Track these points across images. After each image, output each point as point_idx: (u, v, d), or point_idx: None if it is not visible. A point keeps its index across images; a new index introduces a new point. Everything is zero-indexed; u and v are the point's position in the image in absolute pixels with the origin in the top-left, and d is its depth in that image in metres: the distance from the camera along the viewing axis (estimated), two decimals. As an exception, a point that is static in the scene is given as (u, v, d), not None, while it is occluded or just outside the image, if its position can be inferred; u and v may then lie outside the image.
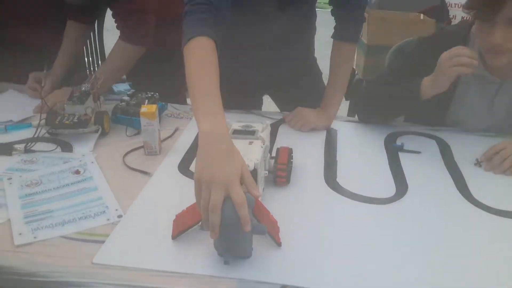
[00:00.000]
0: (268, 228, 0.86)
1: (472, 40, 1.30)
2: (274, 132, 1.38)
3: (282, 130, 1.41)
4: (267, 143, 1.08)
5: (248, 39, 1.39)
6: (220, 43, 1.06)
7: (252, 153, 0.99)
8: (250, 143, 1.03)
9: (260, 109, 1.69)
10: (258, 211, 0.88)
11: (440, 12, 2.78)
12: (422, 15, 2.66)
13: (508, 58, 1.19)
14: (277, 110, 1.69)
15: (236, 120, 1.13)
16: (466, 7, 1.20)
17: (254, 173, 0.95)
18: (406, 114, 1.51)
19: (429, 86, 1.25)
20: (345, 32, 1.42)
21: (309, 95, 1.56)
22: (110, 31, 1.86)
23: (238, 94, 1.42)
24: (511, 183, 1.17)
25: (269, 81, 1.59)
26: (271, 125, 1.41)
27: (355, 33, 1.44)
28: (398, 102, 1.36)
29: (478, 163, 1.24)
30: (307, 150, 1.28)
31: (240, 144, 0.97)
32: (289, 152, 1.13)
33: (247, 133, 1.07)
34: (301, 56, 1.58)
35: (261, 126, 1.10)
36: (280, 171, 1.08)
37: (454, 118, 1.42)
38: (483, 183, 1.17)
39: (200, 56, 1.02)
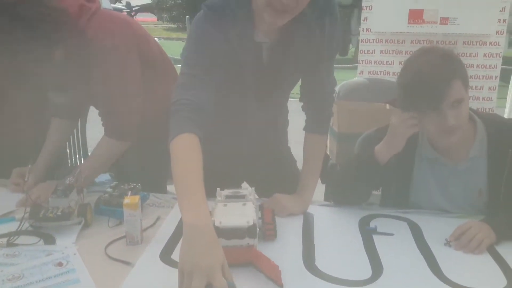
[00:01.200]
0: (270, 273, 0.99)
1: (421, 133, 1.45)
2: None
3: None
4: (256, 204, 1.22)
5: (227, 134, 1.50)
6: (203, 138, 1.17)
7: (247, 212, 1.13)
8: (244, 204, 1.18)
9: None
10: (258, 259, 1.01)
11: (403, 102, 2.97)
12: (388, 105, 2.85)
13: (459, 134, 1.34)
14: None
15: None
16: (405, 108, 1.36)
17: (253, 227, 1.09)
18: (373, 187, 1.58)
19: (384, 149, 1.38)
20: (315, 126, 1.55)
21: (285, 182, 1.64)
22: (91, 123, 1.94)
23: (216, 184, 1.49)
24: (479, 261, 1.23)
25: (247, 171, 1.68)
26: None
27: (324, 126, 1.57)
28: (360, 173, 1.45)
29: (447, 243, 1.30)
30: (285, 235, 1.33)
31: (235, 205, 1.16)
32: (272, 211, 1.32)
33: (238, 197, 1.22)
34: (276, 147, 1.69)
35: (248, 191, 1.25)
36: (268, 224, 1.27)
37: (415, 201, 1.51)
38: (454, 262, 1.22)
39: (185, 152, 1.15)
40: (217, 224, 1.08)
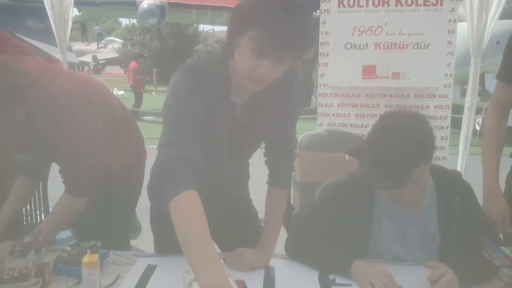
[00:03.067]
0: None
1: None
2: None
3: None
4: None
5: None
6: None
7: None
8: None
9: None
10: None
11: (362, 151, 3.09)
12: (346, 155, 2.96)
13: (413, 202, 1.44)
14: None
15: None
16: (369, 179, 1.42)
17: None
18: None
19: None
20: (277, 180, 1.59)
21: (247, 235, 1.65)
22: (55, 177, 1.91)
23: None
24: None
25: (212, 225, 1.69)
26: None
27: (287, 181, 1.62)
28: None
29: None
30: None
31: None
32: (243, 283, 1.28)
33: None
34: (239, 201, 1.72)
35: None
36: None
37: (374, 250, 1.55)
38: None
39: (190, 211, 1.17)
40: None
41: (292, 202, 3.31)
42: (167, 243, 1.62)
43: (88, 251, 1.39)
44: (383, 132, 1.38)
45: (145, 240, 3.04)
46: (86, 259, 1.25)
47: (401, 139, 1.32)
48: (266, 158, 1.59)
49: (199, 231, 1.12)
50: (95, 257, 1.26)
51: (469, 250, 1.47)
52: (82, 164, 1.57)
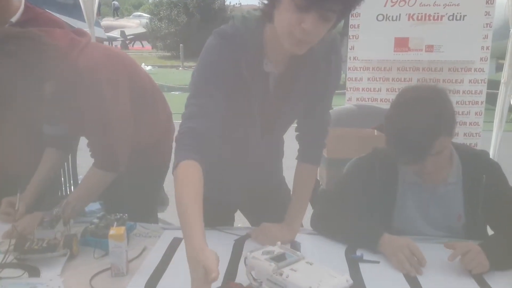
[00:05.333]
0: None
1: None
2: (240, 248, 1.43)
3: (248, 246, 1.46)
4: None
5: (227, 162, 1.51)
6: (205, 164, 1.21)
7: (326, 272, 1.08)
8: (309, 264, 1.12)
9: (232, 225, 1.74)
10: None
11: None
12: (375, 130, 2.88)
13: (439, 172, 1.40)
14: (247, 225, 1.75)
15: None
16: (391, 154, 1.40)
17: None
18: None
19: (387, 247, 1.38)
20: (308, 156, 1.56)
21: (278, 212, 1.61)
22: (83, 151, 1.94)
23: (211, 212, 1.51)
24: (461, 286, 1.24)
25: (242, 200, 1.69)
26: (236, 241, 1.48)
27: (317, 156, 1.58)
28: (353, 242, 1.46)
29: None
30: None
31: (303, 268, 1.09)
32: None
33: (282, 257, 1.14)
34: (272, 177, 1.70)
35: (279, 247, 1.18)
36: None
37: (398, 226, 1.53)
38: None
39: (184, 181, 1.18)
40: None
41: (318, 178, 3.28)
42: None
43: (115, 223, 1.40)
44: (401, 106, 1.38)
45: (173, 213, 3.10)
46: (112, 231, 1.25)
47: (419, 111, 1.32)
48: (297, 133, 1.56)
49: (187, 202, 1.13)
50: (122, 230, 1.26)
51: (503, 231, 1.42)
52: (110, 138, 1.57)
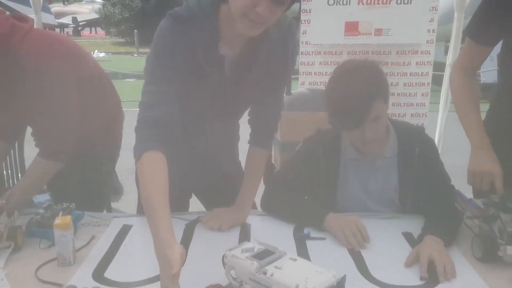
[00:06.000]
0: None
1: (343, 134, 1.57)
2: (190, 232, 1.45)
3: (198, 230, 1.48)
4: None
5: (182, 147, 1.49)
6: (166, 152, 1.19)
7: (312, 268, 1.03)
8: (293, 260, 1.07)
9: (187, 210, 1.73)
10: None
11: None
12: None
13: (378, 143, 1.48)
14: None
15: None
16: (331, 123, 1.48)
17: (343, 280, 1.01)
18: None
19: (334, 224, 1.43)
20: (259, 140, 1.58)
21: (235, 195, 1.60)
22: (30, 143, 1.89)
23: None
24: (402, 260, 1.30)
25: (197, 184, 1.69)
26: (187, 225, 1.49)
27: (269, 141, 1.61)
28: (300, 221, 1.51)
29: (426, 281, 1.21)
30: (223, 247, 1.35)
31: (287, 264, 1.03)
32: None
33: (266, 253, 1.07)
34: (227, 161, 1.71)
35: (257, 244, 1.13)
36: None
37: (342, 203, 1.60)
38: (379, 262, 1.29)
39: (149, 172, 1.16)
40: None
41: (273, 161, 3.32)
42: None
43: (61, 213, 1.38)
44: (338, 77, 1.46)
45: (128, 202, 3.05)
46: (58, 220, 1.23)
47: (355, 78, 1.40)
48: (250, 117, 1.57)
49: (154, 195, 1.11)
50: (67, 219, 1.24)
51: (438, 203, 1.50)
52: (54, 127, 1.54)
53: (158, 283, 1.14)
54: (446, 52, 6.31)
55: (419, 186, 1.54)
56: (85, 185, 1.78)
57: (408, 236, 1.44)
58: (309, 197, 1.64)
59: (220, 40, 1.30)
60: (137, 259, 1.30)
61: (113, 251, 1.33)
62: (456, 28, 3.25)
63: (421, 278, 1.22)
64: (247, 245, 1.10)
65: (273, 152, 3.19)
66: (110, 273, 1.21)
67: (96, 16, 21.06)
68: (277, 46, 1.36)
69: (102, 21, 20.12)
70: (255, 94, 1.47)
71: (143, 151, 1.18)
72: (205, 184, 1.68)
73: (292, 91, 3.22)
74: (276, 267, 1.01)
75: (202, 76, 1.32)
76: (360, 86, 1.38)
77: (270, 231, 1.49)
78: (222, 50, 1.32)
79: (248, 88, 1.42)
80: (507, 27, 1.47)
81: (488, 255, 1.27)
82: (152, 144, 1.19)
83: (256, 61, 1.36)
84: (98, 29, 21.97)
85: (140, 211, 1.67)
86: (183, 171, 1.57)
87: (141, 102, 1.26)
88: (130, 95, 2.17)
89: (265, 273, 0.99)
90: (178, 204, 1.67)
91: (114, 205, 2.74)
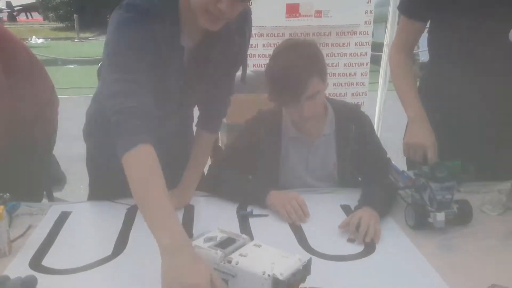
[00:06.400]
0: None
1: (284, 113, 1.60)
2: (132, 217, 1.43)
3: (140, 215, 1.45)
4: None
5: None
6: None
7: (277, 253, 1.01)
8: (257, 246, 1.04)
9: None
10: None
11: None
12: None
13: (315, 119, 1.52)
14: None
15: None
16: (271, 98, 1.51)
17: (309, 262, 1.00)
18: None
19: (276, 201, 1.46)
20: (207, 124, 1.58)
21: None
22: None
23: (119, 183, 1.49)
24: (340, 230, 1.36)
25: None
26: (128, 209, 1.47)
27: (217, 125, 1.61)
28: (244, 200, 1.54)
29: (350, 240, 1.31)
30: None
31: (252, 251, 1.01)
32: None
33: (229, 241, 1.05)
34: (186, 145, 1.64)
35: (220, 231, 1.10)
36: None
37: (284, 180, 1.64)
38: (320, 235, 1.34)
39: (145, 169, 1.07)
40: (279, 276, 0.92)
41: (220, 144, 3.33)
42: (102, 188, 1.61)
43: (-7, 203, 1.32)
44: (277, 55, 1.50)
45: (71, 191, 2.97)
46: (-11, 211, 1.19)
47: (293, 55, 1.44)
48: (199, 101, 1.56)
49: (155, 190, 1.04)
50: (0, 209, 1.20)
51: (374, 176, 1.58)
52: None
53: (98, 268, 1.15)
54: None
55: (356, 161, 1.60)
56: (21, 174, 1.72)
57: (346, 208, 1.50)
58: (252, 176, 1.67)
59: (181, 31, 1.27)
60: (76, 245, 1.28)
61: (51, 239, 1.30)
62: (393, 9, 3.33)
63: (348, 240, 1.30)
64: (209, 234, 1.07)
65: (219, 135, 3.21)
66: (48, 261, 1.19)
67: (33, 0, 19.98)
68: (235, 34, 1.36)
69: (39, 6, 19.13)
70: (213, 81, 1.46)
71: (131, 146, 1.08)
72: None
73: (236, 73, 3.24)
74: (241, 255, 0.98)
75: (163, 67, 1.28)
76: (297, 62, 1.42)
77: (213, 211, 1.50)
78: (183, 41, 1.29)
79: (207, 77, 1.41)
80: (433, 1, 1.53)
81: (419, 223, 1.34)
82: (140, 137, 1.10)
83: (215, 50, 1.35)
84: (36, 14, 20.86)
85: (93, 195, 1.64)
86: None
87: (109, 92, 1.17)
88: (72, 82, 2.10)
89: (230, 262, 0.97)
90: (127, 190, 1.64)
91: (58, 194, 2.66)
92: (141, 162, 1.09)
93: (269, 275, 0.91)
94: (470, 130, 1.62)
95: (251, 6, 3.28)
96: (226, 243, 1.03)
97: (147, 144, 1.10)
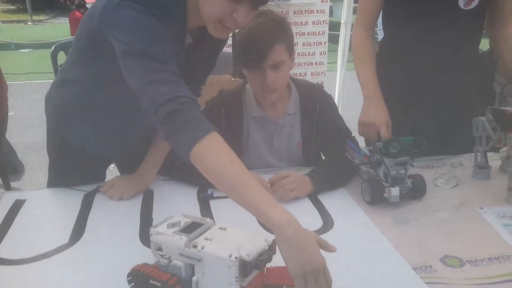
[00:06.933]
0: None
1: (247, 92, 1.60)
2: (89, 204, 1.41)
3: (98, 201, 1.43)
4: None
5: (120, 124, 1.43)
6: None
7: (242, 234, 0.99)
8: (222, 229, 1.02)
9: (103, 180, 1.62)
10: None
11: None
12: (232, 76, 2.97)
13: (277, 93, 1.52)
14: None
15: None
16: (238, 63, 1.48)
17: (274, 244, 0.97)
18: None
19: None
20: None
21: None
22: None
23: (87, 165, 1.50)
24: (301, 207, 1.37)
25: (121, 154, 1.62)
26: (85, 195, 1.44)
27: None
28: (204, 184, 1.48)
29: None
30: (123, 216, 1.34)
31: (217, 235, 0.98)
32: None
33: (195, 225, 1.02)
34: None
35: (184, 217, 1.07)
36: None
37: (247, 160, 1.61)
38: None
39: (225, 152, 1.03)
40: (245, 258, 0.91)
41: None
42: (62, 173, 1.56)
43: None
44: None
45: (30, 180, 2.89)
46: None
47: (261, 18, 1.43)
48: None
49: (245, 171, 1.01)
50: None
51: (332, 154, 1.61)
52: None
53: (55, 256, 1.13)
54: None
55: (320, 141, 1.62)
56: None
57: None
58: None
59: (187, 31, 1.24)
60: (32, 234, 1.25)
61: (5, 228, 1.26)
62: (349, -13, 3.38)
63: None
64: (172, 219, 1.04)
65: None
66: (2, 252, 1.15)
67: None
68: None
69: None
70: (194, 78, 1.41)
71: (204, 134, 1.02)
72: (129, 153, 1.58)
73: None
74: (206, 239, 0.97)
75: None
76: (265, 26, 1.43)
77: (173, 195, 1.49)
78: (188, 40, 1.26)
79: (196, 73, 1.40)
80: None
81: (375, 198, 1.38)
82: (210, 126, 1.04)
83: (207, 46, 1.34)
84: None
85: (51, 186, 1.57)
86: (109, 144, 1.49)
87: (159, 79, 1.07)
88: (26, 67, 2.01)
89: (195, 247, 0.95)
90: (95, 173, 1.60)
91: (16, 184, 2.59)
92: (220, 149, 1.04)
93: (236, 257, 0.91)
94: (423, 105, 1.67)
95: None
96: (191, 228, 1.01)
97: (215, 132, 1.05)
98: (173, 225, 1.01)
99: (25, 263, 1.11)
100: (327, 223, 1.30)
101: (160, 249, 0.98)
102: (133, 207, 1.39)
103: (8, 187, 2.14)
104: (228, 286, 0.92)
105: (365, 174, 1.46)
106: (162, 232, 0.99)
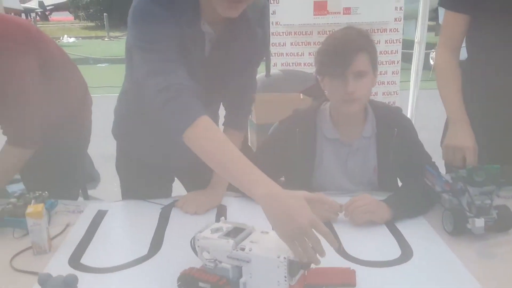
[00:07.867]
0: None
1: (320, 114, 1.58)
2: (166, 217, 1.45)
3: (174, 215, 1.47)
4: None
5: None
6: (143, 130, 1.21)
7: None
8: (264, 233, 1.07)
9: (170, 195, 1.71)
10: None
11: (316, 90, 3.11)
12: (301, 94, 2.96)
13: (359, 105, 1.48)
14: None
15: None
16: (319, 73, 1.49)
17: None
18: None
19: None
20: (233, 122, 1.59)
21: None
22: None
23: (149, 177, 1.55)
24: (377, 235, 1.33)
25: (179, 166, 1.67)
26: (162, 209, 1.49)
27: (243, 122, 1.62)
28: None
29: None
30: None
31: (261, 238, 1.03)
32: None
33: (239, 230, 1.07)
34: None
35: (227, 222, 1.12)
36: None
37: (319, 183, 1.60)
38: (354, 239, 1.30)
39: (214, 134, 1.14)
40: (293, 258, 0.96)
41: (249, 144, 3.33)
42: (133, 187, 1.63)
43: (33, 201, 1.36)
44: (329, 37, 1.52)
45: (105, 189, 3.02)
46: (30, 209, 1.22)
47: (344, 31, 1.49)
48: (224, 99, 1.57)
49: (234, 150, 1.09)
50: (40, 207, 1.23)
51: (411, 180, 1.54)
52: (18, 112, 1.52)
53: (136, 267, 1.17)
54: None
55: (397, 166, 1.56)
56: (56, 172, 1.76)
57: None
58: (285, 178, 1.65)
59: (202, 17, 1.28)
60: (113, 244, 1.30)
61: (89, 237, 1.32)
62: (423, 5, 3.28)
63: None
64: (214, 225, 1.09)
65: (249, 135, 3.22)
66: (86, 259, 1.21)
67: (64, -1, 20.46)
68: (255, 26, 1.36)
69: (70, 5, 19.57)
70: (235, 75, 1.46)
71: (193, 118, 1.13)
72: (187, 166, 1.64)
73: (263, 73, 3.23)
74: (252, 242, 1.01)
75: (185, 52, 1.28)
76: (349, 36, 1.45)
77: (246, 211, 1.50)
78: (204, 27, 1.30)
79: (228, 67, 1.41)
80: None
81: (457, 228, 1.30)
82: (200, 111, 1.15)
83: (236, 42, 1.35)
84: (67, 13, 21.32)
85: (126, 195, 1.65)
86: (165, 152, 1.54)
87: (150, 71, 1.21)
88: (103, 81, 2.14)
89: (243, 249, 0.99)
90: (161, 188, 1.67)
91: (92, 193, 2.71)
92: (210, 131, 1.14)
93: (284, 258, 0.95)
94: (509, 132, 1.57)
95: (278, 5, 3.29)
96: (234, 233, 1.05)
97: (205, 116, 1.14)
98: (216, 230, 1.06)
99: (107, 272, 1.16)
100: (406, 252, 1.24)
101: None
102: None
103: (86, 196, 2.24)
104: (276, 286, 0.96)
105: (447, 202, 1.39)
106: (207, 237, 1.04)
